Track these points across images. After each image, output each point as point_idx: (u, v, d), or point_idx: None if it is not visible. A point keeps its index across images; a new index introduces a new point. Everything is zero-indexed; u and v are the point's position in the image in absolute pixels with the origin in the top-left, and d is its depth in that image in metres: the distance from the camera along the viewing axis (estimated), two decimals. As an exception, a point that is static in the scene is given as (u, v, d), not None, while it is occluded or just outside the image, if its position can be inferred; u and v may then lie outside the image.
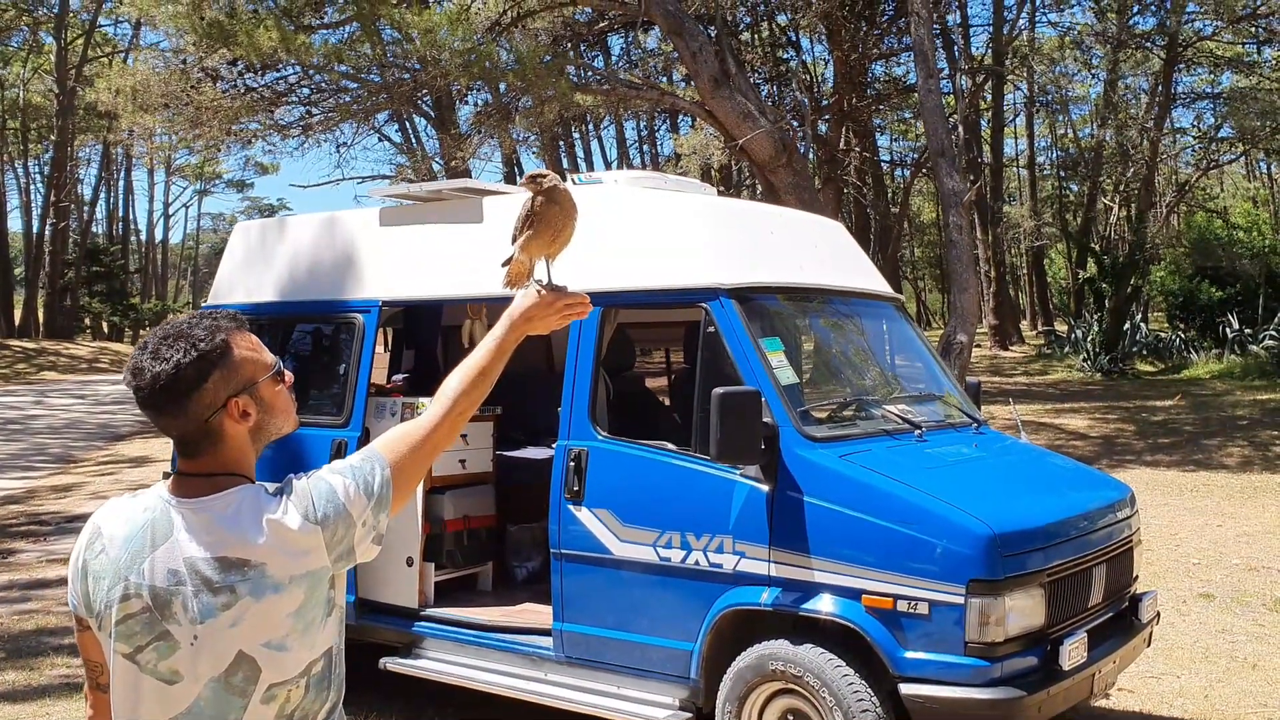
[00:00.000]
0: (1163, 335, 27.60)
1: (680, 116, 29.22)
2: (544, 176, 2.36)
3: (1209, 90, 35.03)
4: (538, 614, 5.45)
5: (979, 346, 32.28)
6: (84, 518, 11.85)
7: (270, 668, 1.93)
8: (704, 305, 4.89)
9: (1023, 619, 4.24)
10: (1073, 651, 4.33)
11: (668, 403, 6.82)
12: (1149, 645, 5.32)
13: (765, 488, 4.56)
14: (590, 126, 37.49)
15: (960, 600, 4.14)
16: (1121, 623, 5.02)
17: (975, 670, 4.13)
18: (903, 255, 49.53)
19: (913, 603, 4.22)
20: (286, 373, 2.10)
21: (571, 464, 5.04)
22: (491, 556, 6.17)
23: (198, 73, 14.00)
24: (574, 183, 5.71)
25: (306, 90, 15.08)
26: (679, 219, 5.20)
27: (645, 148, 38.44)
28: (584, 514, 4.99)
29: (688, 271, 4.98)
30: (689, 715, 4.75)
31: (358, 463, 2.03)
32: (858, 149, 30.16)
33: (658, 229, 5.16)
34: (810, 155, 19.84)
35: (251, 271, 6.50)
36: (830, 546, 4.40)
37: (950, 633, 4.17)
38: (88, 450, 17.27)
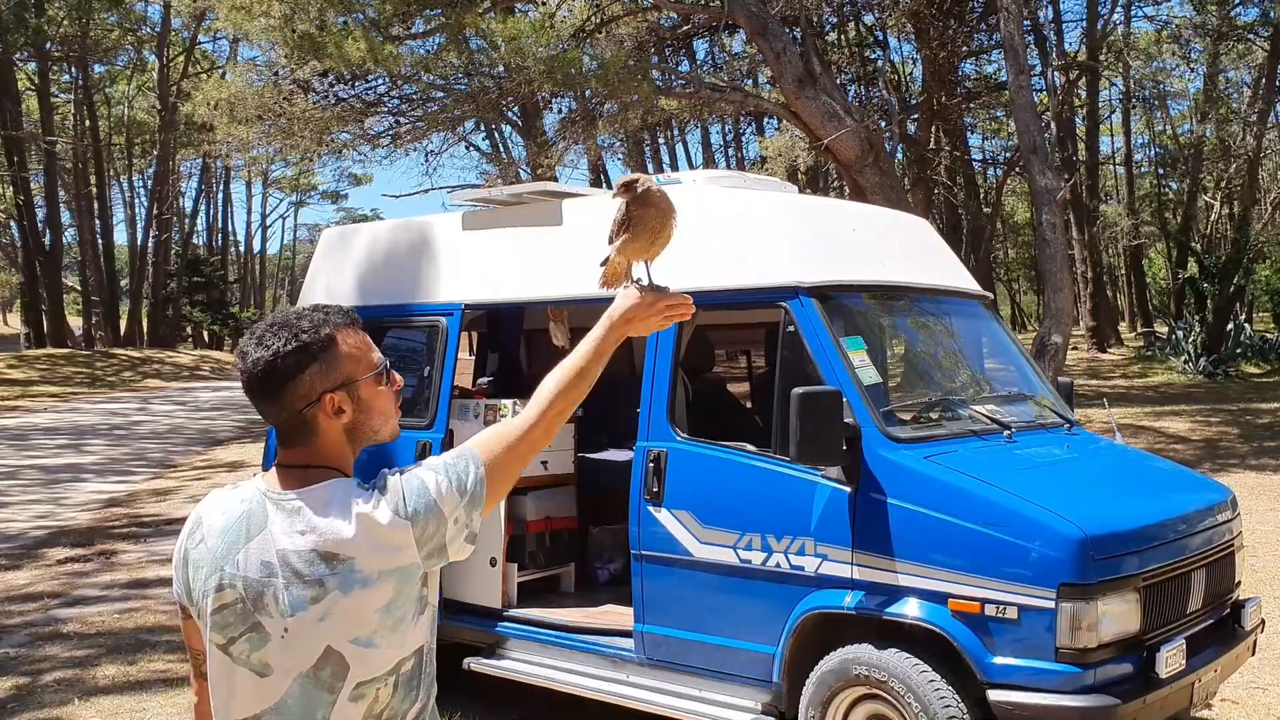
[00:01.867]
0: (1268, 336, 26.69)
1: (766, 119, 29.10)
2: (635, 182, 2.32)
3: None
4: (619, 615, 5.43)
5: (1076, 349, 31.54)
6: (181, 520, 12.23)
7: (358, 665, 1.92)
8: (783, 304, 4.82)
9: (1117, 624, 4.10)
10: (1170, 659, 4.17)
11: (749, 406, 6.75)
12: (1254, 654, 5.11)
13: (847, 489, 4.47)
14: (675, 131, 37.56)
15: (1051, 605, 4.01)
16: (1223, 630, 4.83)
17: (1067, 677, 4.01)
18: (996, 256, 48.63)
19: (1001, 607, 4.11)
20: (396, 376, 2.09)
21: (650, 465, 5.02)
22: (573, 558, 6.18)
23: (290, 85, 14.31)
24: (653, 183, 5.69)
25: (396, 100, 15.32)
26: (757, 217, 5.14)
27: (730, 151, 38.40)
28: (664, 515, 4.95)
29: (766, 270, 4.92)
30: (771, 719, 4.69)
31: (451, 460, 2.01)
32: (948, 148, 29.72)
33: (736, 228, 5.12)
34: (898, 155, 19.57)
35: (336, 276, 6.59)
36: (914, 549, 4.30)
37: (1041, 638, 4.04)
38: (186, 455, 17.75)
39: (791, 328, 4.80)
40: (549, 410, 2.09)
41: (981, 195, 35.46)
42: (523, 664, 5.49)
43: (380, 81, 14.83)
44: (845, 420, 4.48)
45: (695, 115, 25.69)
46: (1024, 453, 4.76)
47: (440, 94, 13.73)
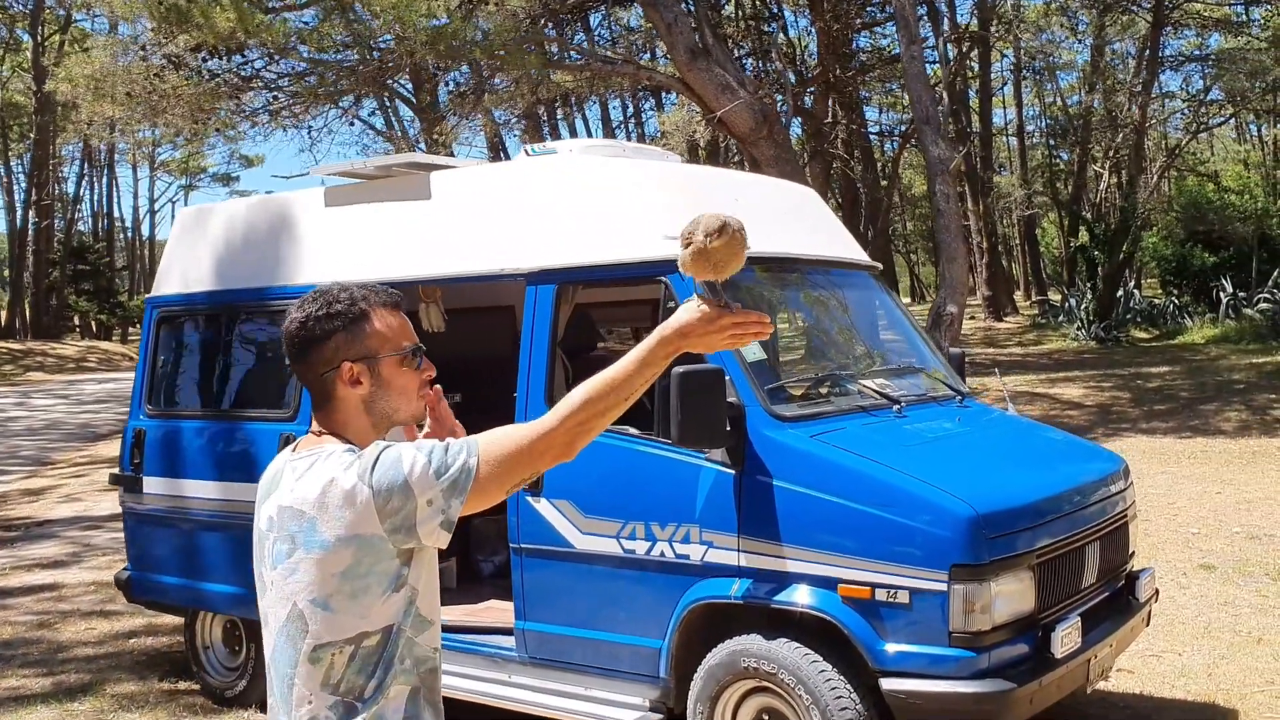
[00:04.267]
0: (1156, 301, 27.34)
1: (665, 94, 28.83)
2: (726, 227, 2.05)
3: (1197, 53, 34.71)
4: (501, 612, 5.14)
5: (973, 318, 32.01)
6: (53, 523, 11.57)
7: (315, 625, 1.96)
8: (663, 279, 4.56)
9: (1011, 605, 3.93)
10: (1066, 638, 4.03)
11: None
12: (1148, 624, 5.03)
13: (732, 472, 4.24)
14: (574, 106, 37.09)
15: (943, 587, 3.83)
16: (1118, 603, 4.72)
17: (961, 662, 3.83)
18: (895, 229, 49.18)
19: (892, 591, 3.91)
20: (426, 364, 2.15)
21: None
22: (455, 551, 5.86)
23: (159, 60, 13.62)
24: (526, 154, 5.38)
25: (273, 75, 14.70)
26: (634, 187, 4.87)
27: (631, 126, 38.07)
28: (542, 505, 4.67)
29: (644, 243, 4.65)
30: (659, 716, 4.45)
31: (449, 444, 1.97)
32: (844, 121, 29.78)
33: (612, 199, 4.84)
34: (793, 128, 19.49)
35: (192, 260, 6.16)
36: (802, 533, 4.09)
37: (933, 622, 3.86)
38: (64, 451, 16.95)
39: (672, 303, 4.54)
40: (570, 418, 1.97)
41: (879, 168, 35.73)
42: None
43: (256, 55, 14.19)
44: (729, 399, 4.25)
45: (592, 90, 25.35)
46: (913, 428, 4.58)
47: (318, 67, 13.17)
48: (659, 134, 26.71)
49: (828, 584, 4.03)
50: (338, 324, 2.07)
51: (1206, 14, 29.34)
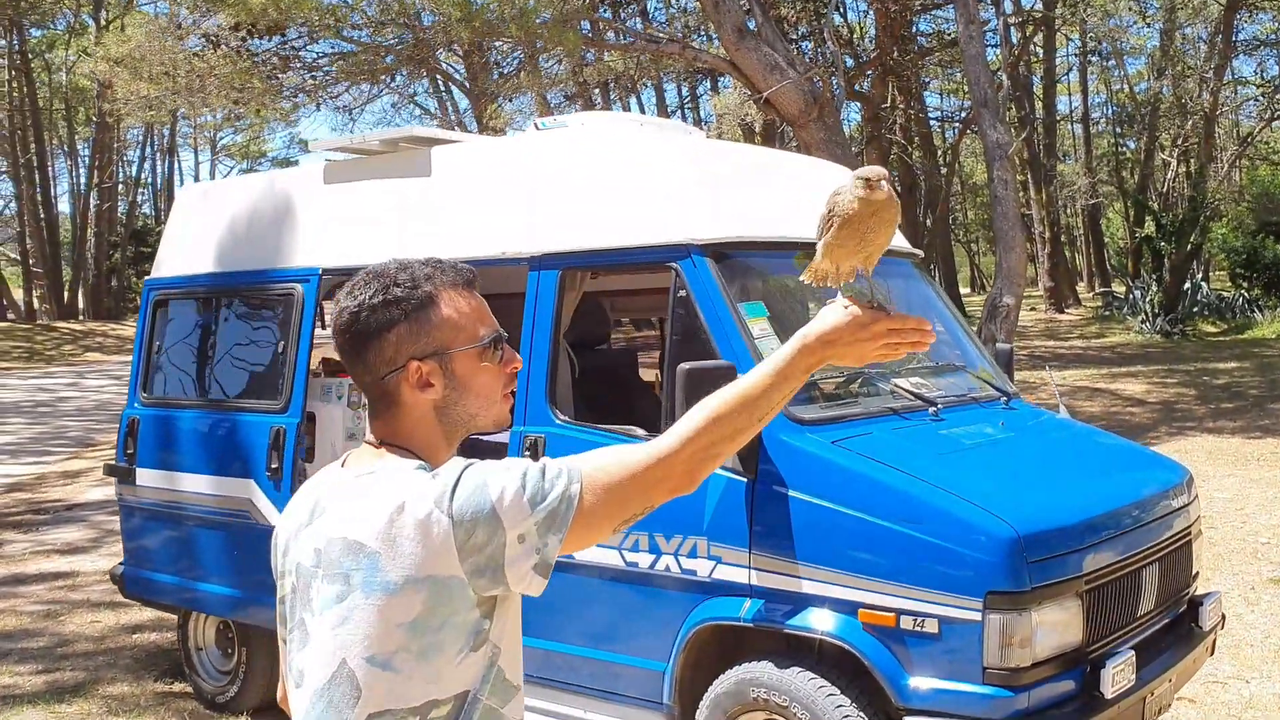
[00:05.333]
0: (1225, 294, 26.40)
1: (720, 78, 28.27)
2: (875, 180, 1.71)
3: (1273, 37, 33.42)
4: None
5: (1034, 310, 31.19)
6: (83, 506, 11.42)
7: (372, 690, 1.56)
8: (674, 265, 4.14)
9: (1055, 637, 3.47)
10: (1117, 675, 3.55)
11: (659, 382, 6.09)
12: (1212, 654, 4.52)
13: (744, 480, 3.82)
14: (629, 89, 36.67)
15: (977, 616, 3.38)
16: (1179, 630, 4.22)
17: (996, 702, 3.38)
18: (955, 217, 48.13)
19: (919, 619, 3.47)
20: (511, 354, 1.77)
21: (527, 453, 4.34)
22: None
23: (198, 39, 13.44)
24: (536, 128, 4.99)
25: (313, 55, 14.48)
26: (648, 165, 4.44)
27: (686, 110, 37.54)
28: (541, 511, 4.28)
29: (655, 225, 4.23)
30: (663, 745, 4.05)
31: (545, 465, 1.62)
32: (903, 106, 29.06)
33: (624, 177, 4.42)
34: (844, 110, 18.90)
35: (192, 240, 5.85)
36: (820, 550, 3.66)
37: (965, 656, 3.41)
38: (108, 433, 16.90)
39: (683, 292, 4.12)
40: (694, 441, 1.64)
41: (940, 155, 34.91)
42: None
43: (296, 35, 13.96)
44: (742, 399, 3.82)
45: (643, 73, 24.88)
46: (950, 433, 4.11)
47: (351, 46, 12.87)
48: (715, 116, 26.20)
49: (848, 608, 3.60)
50: (398, 313, 1.68)
51: (1284, -4, 28.20)
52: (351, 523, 1.60)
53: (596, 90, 28.37)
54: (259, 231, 5.51)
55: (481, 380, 1.73)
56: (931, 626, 3.45)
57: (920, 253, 5.46)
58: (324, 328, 5.17)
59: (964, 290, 49.04)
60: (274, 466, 5.06)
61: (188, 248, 5.84)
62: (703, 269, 4.08)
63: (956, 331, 5.12)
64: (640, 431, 4.12)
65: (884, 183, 1.70)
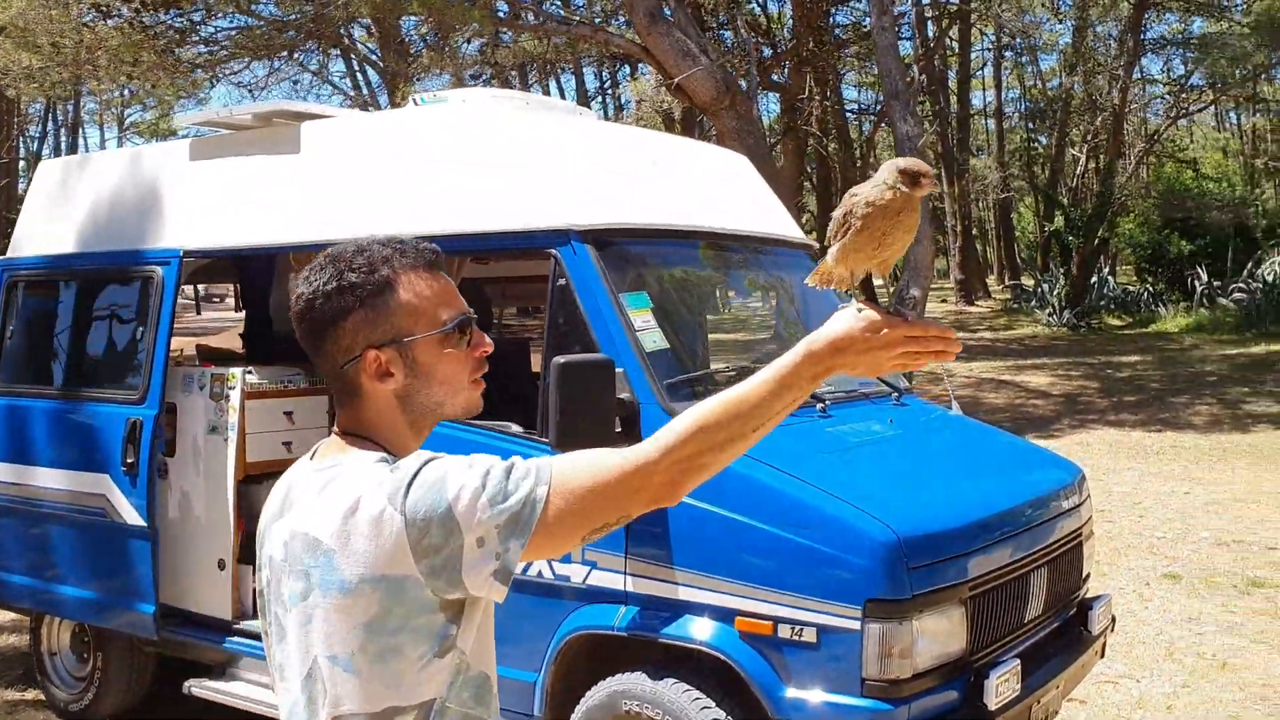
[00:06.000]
0: (1131, 288, 26.94)
1: (640, 64, 28.04)
2: (920, 174, 1.55)
3: (1180, 37, 34.14)
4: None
5: (944, 302, 31.56)
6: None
7: (334, 690, 1.50)
8: (553, 251, 3.92)
9: (937, 646, 3.33)
10: (1001, 685, 3.43)
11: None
12: (1102, 656, 4.44)
13: (620, 480, 3.61)
14: (548, 74, 36.25)
15: (855, 626, 3.23)
16: (1068, 635, 4.13)
17: (875, 715, 3.22)
18: (870, 209, 48.33)
19: (797, 628, 3.31)
20: (480, 338, 1.67)
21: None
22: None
23: (88, 9, 12.84)
24: (415, 103, 4.72)
25: (212, 29, 13.95)
26: (529, 145, 4.21)
27: (608, 97, 37.28)
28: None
29: (534, 209, 4.01)
30: (534, 760, 3.85)
31: (512, 465, 1.52)
32: (819, 98, 29.10)
33: (503, 157, 4.18)
34: (769, 104, 18.83)
35: (51, 219, 5.47)
36: (697, 555, 3.47)
37: (844, 667, 3.25)
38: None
39: (562, 280, 3.90)
40: (678, 449, 1.51)
41: (856, 147, 35.08)
42: (256, 687, 4.54)
43: (195, 9, 13.43)
44: (620, 395, 3.62)
45: (560, 55, 24.55)
46: (836, 430, 3.95)
47: (247, 20, 12.41)
48: (634, 102, 25.95)
49: (725, 616, 3.42)
50: (353, 299, 1.59)
51: (1190, -3, 28.80)
52: (311, 518, 1.54)
53: (514, 73, 27.96)
54: (121, 211, 5.17)
55: (446, 367, 1.65)
56: (810, 636, 3.29)
57: (816, 244, 5.31)
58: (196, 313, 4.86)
59: (878, 282, 49.51)
60: (129, 461, 4.74)
61: (46, 227, 5.46)
62: (583, 256, 3.86)
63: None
64: (515, 428, 3.90)
65: (927, 179, 1.55)
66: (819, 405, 4.02)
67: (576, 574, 3.69)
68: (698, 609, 3.46)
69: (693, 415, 1.53)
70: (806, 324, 5.04)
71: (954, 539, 3.43)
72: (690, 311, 4.74)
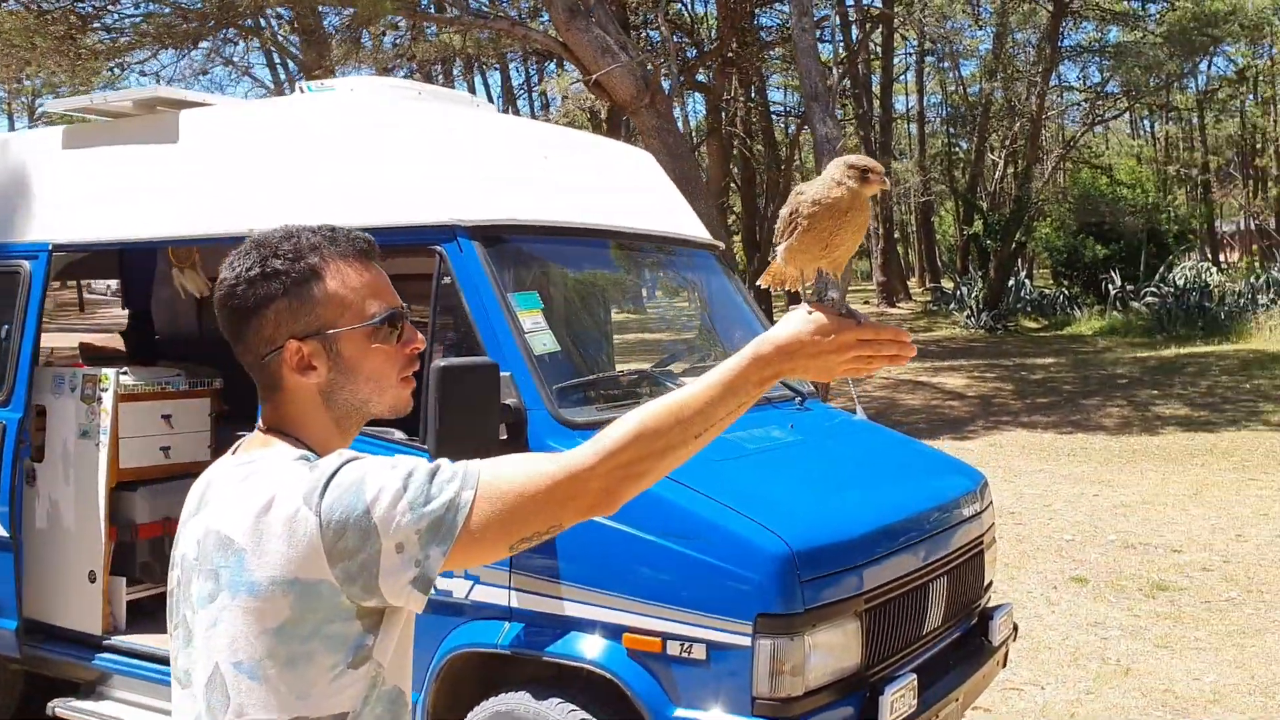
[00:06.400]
0: (1047, 292, 27.40)
1: (564, 60, 27.83)
2: (869, 172, 1.48)
3: (1095, 45, 34.82)
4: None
5: (867, 303, 31.83)
6: None
7: (237, 698, 1.41)
8: (438, 248, 3.74)
9: (831, 662, 3.22)
10: (897, 701, 3.33)
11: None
12: (1004, 667, 4.38)
13: (505, 489, 3.45)
14: (474, 70, 35.91)
15: (746, 642, 3.10)
16: (969, 646, 4.05)
17: (766, 735, 3.10)
18: (795, 211, 48.66)
19: (686, 645, 3.17)
20: (411, 333, 1.58)
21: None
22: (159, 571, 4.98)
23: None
24: (301, 91, 4.51)
25: (115, 16, 13.49)
26: (415, 136, 4.02)
27: (535, 94, 37.04)
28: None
29: (419, 204, 3.82)
30: (416, 782, 3.66)
31: (437, 468, 1.43)
32: (744, 98, 29.16)
33: (388, 149, 3.99)
34: (695, 104, 18.75)
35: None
36: (584, 570, 3.32)
37: (734, 685, 3.12)
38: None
39: (447, 279, 3.73)
40: (615, 456, 1.43)
41: (780, 149, 35.24)
42: (127, 708, 4.30)
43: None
44: (507, 401, 3.46)
45: (483, 50, 24.24)
46: (733, 437, 3.82)
47: (157, 6, 12.01)
48: (558, 98, 25.74)
49: (612, 633, 3.27)
50: (277, 287, 1.52)
51: (1106, 6, 29.37)
52: (225, 515, 1.46)
53: (438, 68, 27.60)
54: (-10, 201, 4.88)
55: (372, 363, 1.57)
56: (699, 652, 3.15)
57: (721, 245, 5.19)
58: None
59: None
60: (-9, 468, 4.47)
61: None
62: (469, 254, 3.69)
63: (756, 328, 4.86)
64: (398, 434, 3.71)
65: (876, 176, 1.48)
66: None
67: (459, 589, 3.52)
68: (585, 625, 3.31)
69: (632, 420, 1.46)
70: (713, 325, 4.93)
71: (850, 550, 3.32)
72: (589, 313, 4.59)
